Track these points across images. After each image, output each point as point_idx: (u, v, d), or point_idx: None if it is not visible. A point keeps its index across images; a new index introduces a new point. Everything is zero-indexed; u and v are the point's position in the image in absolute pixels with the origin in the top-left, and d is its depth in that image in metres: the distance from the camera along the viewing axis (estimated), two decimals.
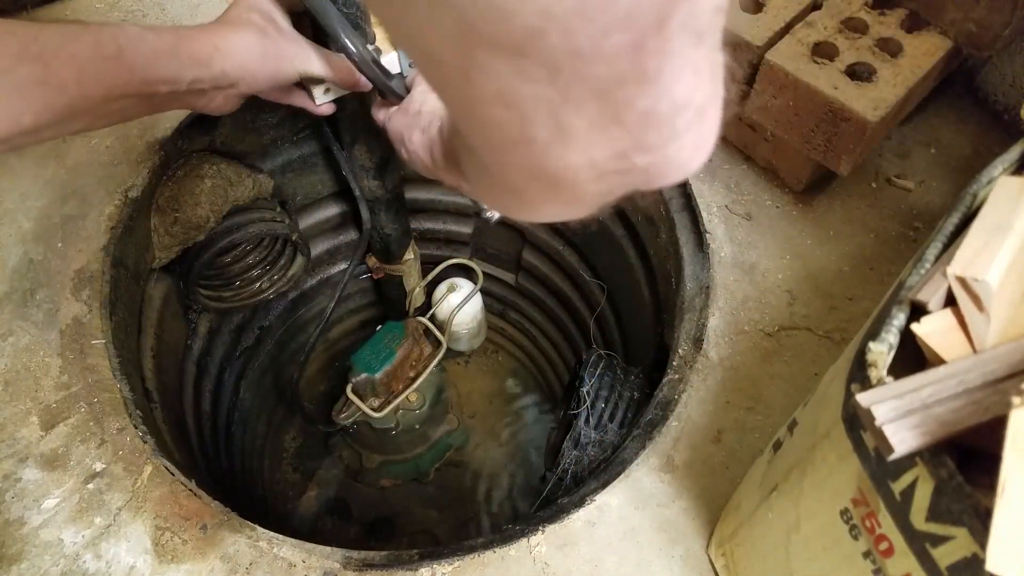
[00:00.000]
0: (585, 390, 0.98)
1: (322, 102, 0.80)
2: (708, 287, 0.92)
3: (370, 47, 0.79)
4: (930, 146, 1.05)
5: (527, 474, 1.63)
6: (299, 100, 0.81)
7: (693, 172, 0.29)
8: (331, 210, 1.34)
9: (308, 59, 0.74)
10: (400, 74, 0.75)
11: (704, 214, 0.97)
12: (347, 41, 0.69)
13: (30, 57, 0.58)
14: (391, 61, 0.80)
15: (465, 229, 1.47)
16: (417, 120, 0.64)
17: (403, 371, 1.31)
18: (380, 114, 0.73)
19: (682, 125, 0.26)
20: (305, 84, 0.77)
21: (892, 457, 0.40)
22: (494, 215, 0.66)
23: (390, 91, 0.72)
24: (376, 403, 1.29)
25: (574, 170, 0.28)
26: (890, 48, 0.91)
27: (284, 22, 0.74)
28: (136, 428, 0.79)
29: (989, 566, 0.34)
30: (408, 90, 0.71)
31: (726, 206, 0.99)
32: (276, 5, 0.74)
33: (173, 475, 0.77)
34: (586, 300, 1.40)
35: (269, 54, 0.72)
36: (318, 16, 0.70)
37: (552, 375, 1.67)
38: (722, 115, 0.28)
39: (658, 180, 0.29)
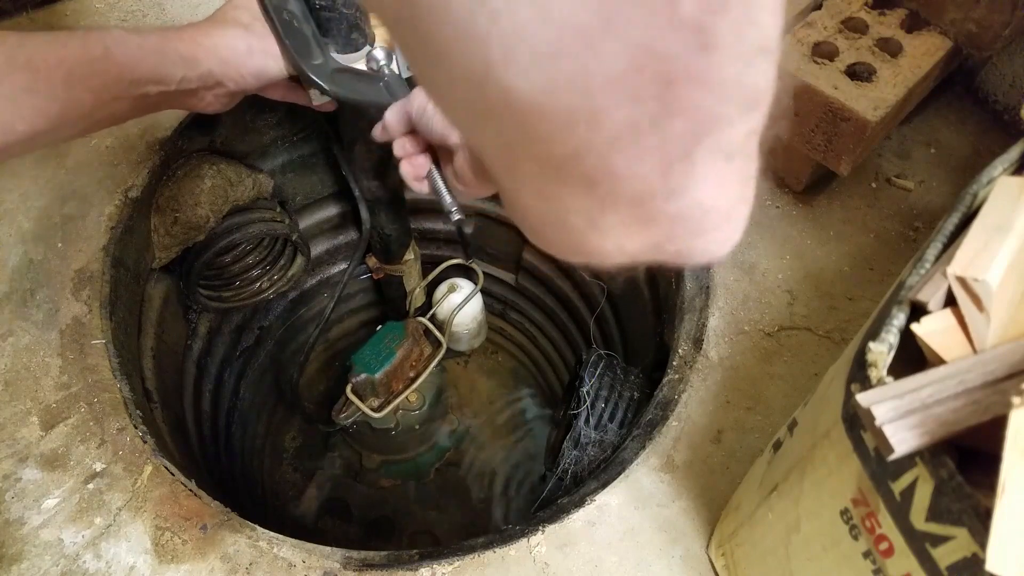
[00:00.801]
0: (585, 390, 0.98)
1: (319, 102, 0.80)
2: (708, 287, 0.92)
3: (368, 50, 0.79)
4: (930, 146, 1.05)
5: (527, 474, 1.63)
6: (298, 97, 0.81)
7: (716, 260, 0.31)
8: (331, 210, 1.34)
9: None
10: (391, 74, 0.74)
11: None
12: (308, 73, 0.70)
13: (18, 65, 0.59)
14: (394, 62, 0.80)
15: (466, 229, 1.47)
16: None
17: (403, 371, 1.31)
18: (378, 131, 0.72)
19: (709, 225, 0.28)
20: (302, 83, 0.77)
21: (892, 457, 0.40)
22: (461, 217, 0.65)
23: (371, 102, 0.71)
24: (376, 403, 1.29)
25: (607, 253, 0.30)
26: (890, 48, 0.91)
27: None
28: (136, 428, 0.79)
29: (989, 566, 0.34)
30: (401, 89, 0.71)
31: None
32: None
33: (173, 475, 0.77)
34: (586, 300, 1.40)
35: (255, 51, 0.72)
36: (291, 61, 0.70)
37: (552, 375, 1.67)
38: (749, 212, 0.30)
39: (686, 262, 0.32)
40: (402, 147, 0.64)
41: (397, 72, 0.75)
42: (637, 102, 0.22)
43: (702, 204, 0.27)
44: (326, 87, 0.71)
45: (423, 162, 0.65)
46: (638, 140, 0.23)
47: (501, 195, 0.33)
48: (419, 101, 0.61)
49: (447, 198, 0.64)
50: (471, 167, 0.57)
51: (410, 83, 0.73)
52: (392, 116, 0.64)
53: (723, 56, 0.21)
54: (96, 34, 0.64)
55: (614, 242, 0.29)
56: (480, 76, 0.22)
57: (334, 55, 0.76)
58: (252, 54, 0.72)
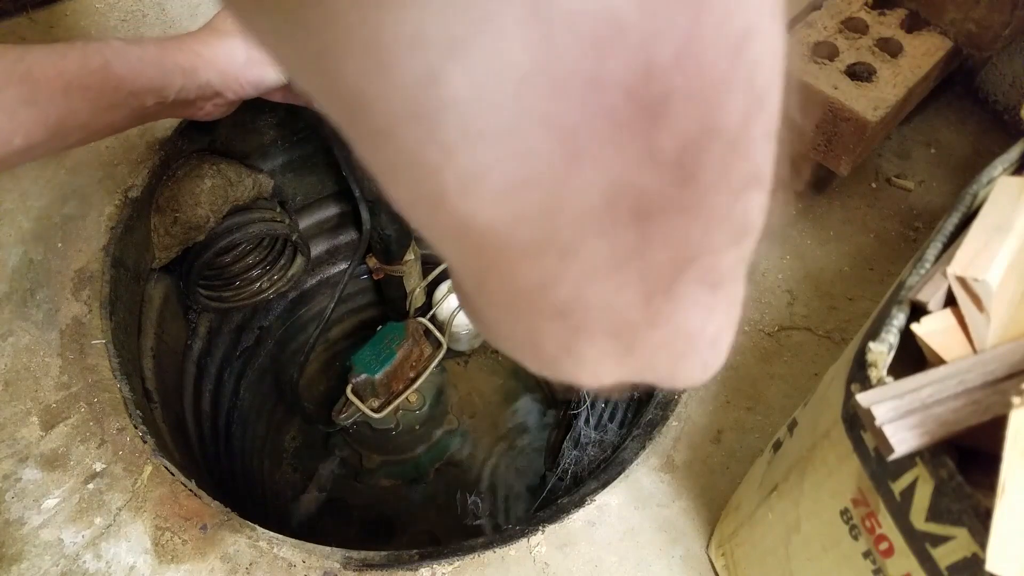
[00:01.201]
0: (585, 390, 0.98)
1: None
2: None
3: None
4: (930, 146, 1.05)
5: (527, 474, 1.63)
6: (299, 99, 0.81)
7: (700, 384, 0.30)
8: (331, 210, 1.34)
9: None
10: None
11: None
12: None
13: (16, 78, 0.59)
14: None
15: None
16: None
17: (403, 372, 1.30)
18: None
19: (692, 351, 0.27)
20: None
21: (892, 457, 0.40)
22: None
23: None
24: (376, 403, 1.29)
25: (584, 381, 0.28)
26: (890, 48, 0.91)
27: None
28: (136, 428, 0.79)
29: (989, 566, 0.34)
30: None
31: None
32: None
33: (173, 475, 0.77)
34: None
35: (253, 61, 0.72)
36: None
37: None
38: (734, 337, 0.28)
39: (664, 387, 0.30)
40: None
41: None
42: (613, 235, 0.20)
43: (686, 333, 0.25)
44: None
45: None
46: (615, 272, 0.21)
47: (469, 310, 0.31)
48: None
49: None
50: None
51: None
52: None
53: (709, 189, 0.20)
54: (95, 46, 0.64)
55: (591, 372, 0.27)
56: (434, 201, 0.20)
57: None
58: (251, 64, 0.72)
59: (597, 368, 0.27)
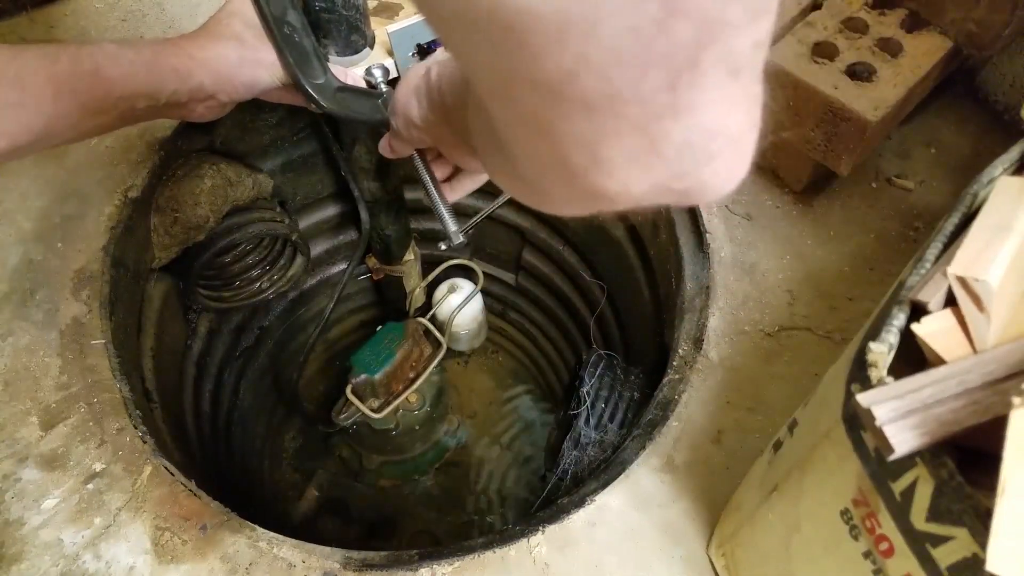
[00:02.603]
0: (585, 390, 0.98)
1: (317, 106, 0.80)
2: (708, 287, 0.92)
3: (368, 52, 0.79)
4: (930, 146, 1.05)
5: (527, 474, 1.63)
6: (294, 99, 0.81)
7: (728, 193, 0.29)
8: (331, 210, 1.34)
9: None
10: (390, 90, 0.74)
11: (704, 214, 0.97)
12: (309, 91, 0.70)
13: (7, 81, 0.59)
14: (390, 66, 0.80)
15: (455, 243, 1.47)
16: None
17: (403, 372, 1.30)
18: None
19: (717, 152, 0.27)
20: (304, 99, 0.77)
21: (892, 457, 0.40)
22: (459, 240, 0.66)
23: (368, 120, 0.71)
24: (376, 404, 1.29)
25: (611, 194, 0.28)
26: (890, 48, 0.91)
27: None
28: (136, 428, 0.79)
29: (989, 566, 0.34)
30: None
31: (726, 206, 0.99)
32: None
33: (173, 475, 0.77)
34: (586, 300, 1.40)
35: (247, 63, 0.72)
36: (283, 65, 0.71)
37: (552, 375, 1.67)
38: (757, 142, 0.28)
39: (692, 201, 0.30)
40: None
41: (395, 75, 0.75)
42: (636, 4, 0.20)
43: (710, 127, 0.25)
44: (326, 106, 0.71)
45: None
46: (639, 50, 0.22)
47: (498, 158, 0.31)
48: (401, 95, 0.58)
49: (451, 224, 0.65)
50: (467, 157, 0.56)
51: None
52: (385, 139, 0.65)
53: None
54: (88, 49, 0.64)
55: (619, 181, 0.27)
56: None
57: (333, 56, 0.76)
58: (243, 66, 0.72)
59: (625, 175, 0.27)
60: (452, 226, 0.65)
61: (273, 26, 0.70)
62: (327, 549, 0.73)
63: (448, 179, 0.69)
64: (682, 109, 0.24)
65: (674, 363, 0.87)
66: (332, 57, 0.76)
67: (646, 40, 0.21)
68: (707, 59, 0.23)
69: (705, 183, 0.28)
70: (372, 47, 0.79)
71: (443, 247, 0.66)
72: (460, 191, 0.67)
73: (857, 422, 0.46)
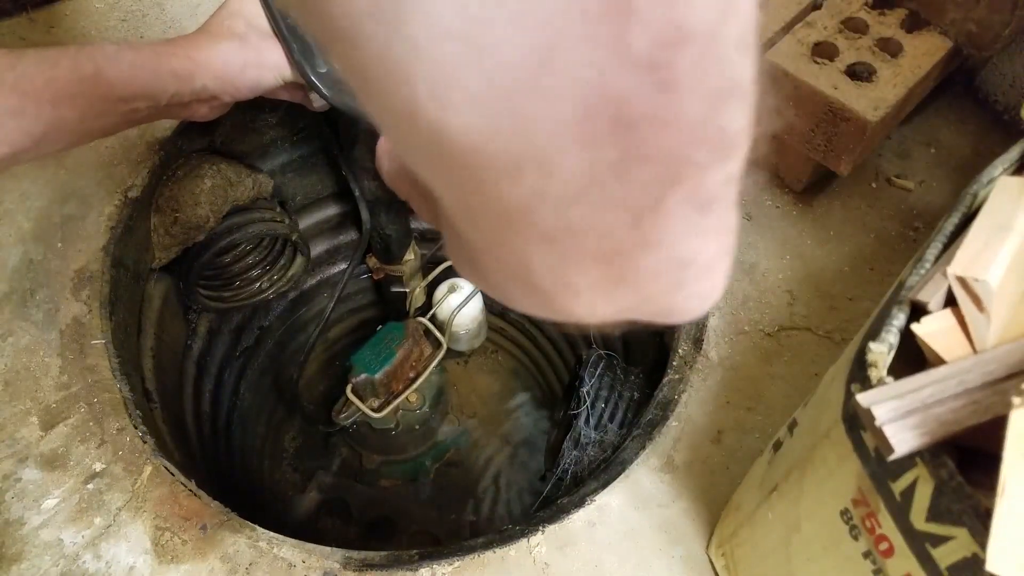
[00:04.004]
0: (585, 390, 0.98)
1: (318, 105, 0.80)
2: None
3: None
4: (930, 146, 1.05)
5: (527, 474, 1.63)
6: (293, 96, 0.81)
7: (699, 316, 0.29)
8: (331, 210, 1.34)
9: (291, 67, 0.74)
10: None
11: None
12: (313, 80, 0.70)
13: (7, 87, 0.59)
14: None
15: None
16: None
17: (403, 371, 1.30)
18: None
19: (687, 280, 0.26)
20: (306, 86, 0.77)
21: (892, 457, 0.40)
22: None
23: (367, 116, 0.72)
24: (376, 403, 1.29)
25: (579, 316, 0.27)
26: (890, 48, 0.91)
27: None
28: (136, 428, 0.79)
29: (989, 566, 0.34)
30: None
31: None
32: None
33: (173, 475, 0.77)
34: None
35: (250, 63, 0.71)
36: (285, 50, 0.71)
37: (552, 375, 1.67)
38: (729, 268, 0.27)
39: (664, 322, 0.29)
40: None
41: None
42: (593, 148, 0.20)
43: (679, 258, 0.24)
44: (328, 95, 0.71)
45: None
46: (598, 190, 0.21)
47: (463, 255, 0.30)
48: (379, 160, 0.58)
49: None
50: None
51: None
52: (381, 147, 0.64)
53: (686, 96, 0.19)
54: (88, 52, 0.64)
55: (586, 305, 0.26)
56: (408, 113, 0.19)
57: None
58: (247, 68, 0.71)
59: (591, 300, 0.26)
60: None
61: (278, 17, 0.71)
62: (327, 549, 0.73)
63: None
64: (648, 244, 0.23)
65: (674, 363, 0.87)
66: None
67: (604, 183, 0.21)
68: (672, 199, 0.22)
69: (676, 308, 0.27)
70: None
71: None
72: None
73: (857, 422, 0.46)
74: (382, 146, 0.55)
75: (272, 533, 0.74)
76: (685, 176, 0.21)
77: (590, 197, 0.21)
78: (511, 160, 0.20)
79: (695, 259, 0.25)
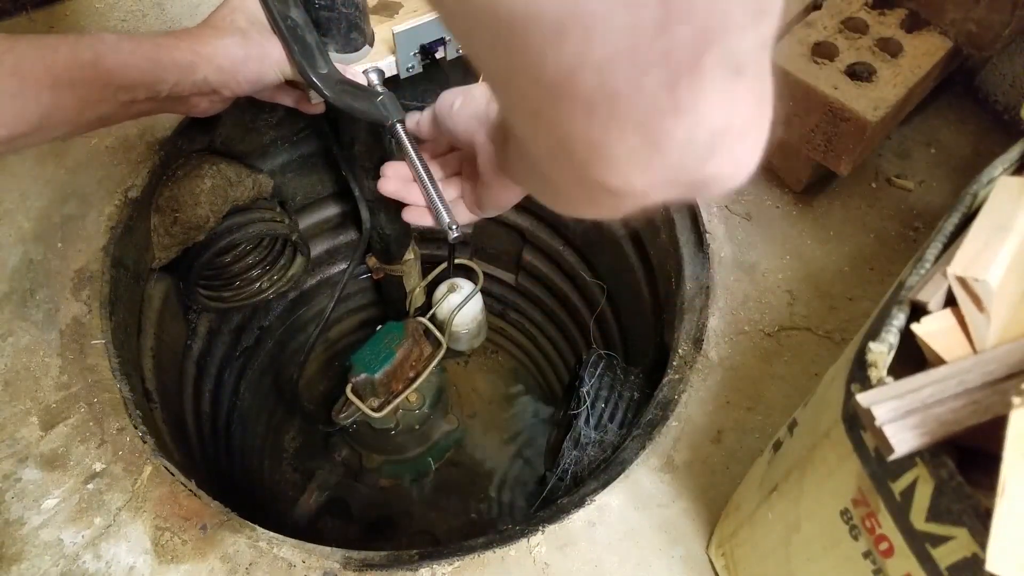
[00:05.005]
0: (585, 390, 0.98)
1: (316, 102, 0.80)
2: (708, 287, 0.92)
3: (367, 50, 0.79)
4: (930, 146, 1.05)
5: (527, 474, 1.63)
6: (287, 99, 0.81)
7: (735, 187, 0.29)
8: (331, 210, 1.34)
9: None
10: (387, 92, 0.74)
11: (704, 214, 0.97)
12: (314, 80, 0.70)
13: (5, 70, 0.58)
14: (389, 65, 0.80)
15: (465, 229, 1.47)
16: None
17: (403, 371, 1.31)
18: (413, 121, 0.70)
19: (721, 149, 0.26)
20: (307, 86, 0.77)
21: (892, 457, 0.40)
22: (456, 235, 0.67)
23: (366, 116, 0.72)
24: (376, 403, 1.29)
25: (616, 190, 0.28)
26: (890, 48, 0.91)
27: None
28: (136, 428, 0.79)
29: (989, 566, 0.34)
30: (396, 110, 0.72)
31: (726, 206, 0.99)
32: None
33: (173, 475, 0.77)
34: (586, 300, 1.40)
35: (252, 58, 0.71)
36: (288, 51, 0.71)
37: (552, 375, 1.67)
38: (767, 136, 0.28)
39: (700, 194, 0.30)
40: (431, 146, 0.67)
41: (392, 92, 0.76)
42: (635, 7, 0.20)
43: (713, 125, 0.25)
44: (328, 95, 0.71)
45: (450, 160, 0.68)
46: (639, 51, 0.22)
47: (513, 155, 0.31)
48: (445, 100, 0.61)
49: (444, 215, 0.65)
50: (493, 162, 0.57)
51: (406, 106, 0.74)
52: (425, 116, 0.66)
53: None
54: (88, 40, 0.64)
55: (622, 176, 0.27)
56: None
57: (333, 53, 0.76)
58: (249, 62, 0.71)
59: (628, 170, 0.27)
60: (447, 219, 0.65)
61: (278, 18, 0.71)
62: (327, 549, 0.74)
63: (456, 176, 0.69)
64: (683, 109, 0.24)
65: (674, 363, 0.87)
66: (332, 55, 0.76)
67: (645, 43, 0.21)
68: (708, 61, 0.23)
69: (711, 177, 0.28)
70: (372, 45, 0.79)
71: (453, 235, 0.66)
72: (489, 204, 0.64)
73: (857, 422, 0.46)
74: (443, 98, 0.61)
75: (272, 533, 0.74)
76: (720, 37, 0.22)
77: (629, 59, 0.22)
78: (557, 25, 0.21)
79: (728, 126, 0.26)
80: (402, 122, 0.70)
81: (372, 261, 1.24)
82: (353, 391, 1.27)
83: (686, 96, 0.23)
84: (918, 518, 0.41)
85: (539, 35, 0.22)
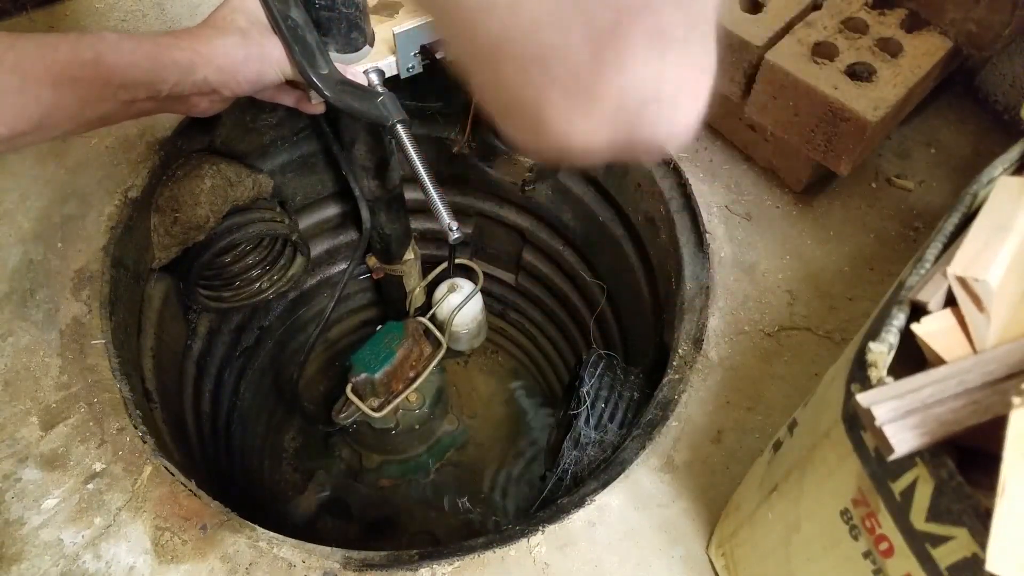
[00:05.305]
0: (585, 390, 0.98)
1: (318, 101, 0.80)
2: (708, 287, 0.92)
3: (368, 50, 0.79)
4: (930, 146, 1.05)
5: (527, 474, 1.63)
6: (287, 99, 0.81)
7: (675, 149, 0.32)
8: (331, 210, 1.34)
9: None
10: (387, 92, 0.74)
11: (704, 214, 0.97)
12: (314, 80, 0.70)
13: (6, 68, 0.58)
14: (389, 65, 0.80)
15: (466, 229, 1.47)
16: None
17: (403, 371, 1.31)
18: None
19: (655, 111, 0.29)
20: (307, 86, 0.77)
21: (892, 457, 0.40)
22: (456, 236, 0.68)
23: (366, 116, 0.72)
24: (376, 403, 1.29)
25: (569, 136, 0.31)
26: (890, 48, 0.91)
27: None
28: (136, 428, 0.79)
29: (989, 566, 0.34)
30: (396, 110, 0.72)
31: (726, 206, 0.99)
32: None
33: (173, 475, 0.77)
34: (586, 300, 1.40)
35: (252, 58, 0.71)
36: (289, 52, 0.72)
37: (552, 375, 1.67)
38: (704, 103, 0.31)
39: (642, 154, 0.32)
40: None
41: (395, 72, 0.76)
42: None
43: (641, 86, 0.28)
44: (329, 95, 0.71)
45: None
46: (559, 20, 0.25)
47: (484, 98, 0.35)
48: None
49: (446, 218, 0.65)
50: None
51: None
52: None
53: None
54: (89, 38, 0.64)
55: (565, 123, 0.30)
56: None
57: (333, 54, 0.76)
58: (249, 62, 0.71)
59: (568, 119, 0.30)
60: (447, 219, 0.65)
61: (278, 18, 0.71)
62: (327, 549, 0.74)
63: None
64: (609, 68, 0.27)
65: (674, 363, 0.87)
66: (333, 55, 0.76)
67: (564, 12, 0.25)
68: (628, 33, 0.25)
69: (648, 138, 0.31)
70: (372, 45, 0.79)
71: (454, 236, 0.67)
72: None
73: (857, 422, 0.46)
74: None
75: (272, 533, 0.74)
76: (640, 16, 0.25)
77: (551, 26, 0.25)
78: (485, 4, 0.25)
79: (659, 89, 0.28)
80: (402, 122, 0.70)
81: (372, 261, 1.24)
82: (353, 391, 1.27)
83: (611, 57, 0.26)
84: (918, 518, 0.41)
85: (469, 10, 0.25)
